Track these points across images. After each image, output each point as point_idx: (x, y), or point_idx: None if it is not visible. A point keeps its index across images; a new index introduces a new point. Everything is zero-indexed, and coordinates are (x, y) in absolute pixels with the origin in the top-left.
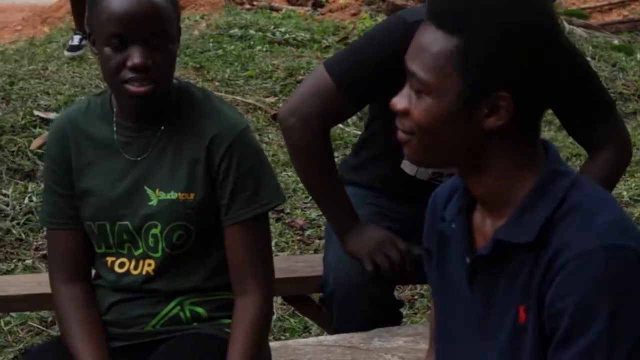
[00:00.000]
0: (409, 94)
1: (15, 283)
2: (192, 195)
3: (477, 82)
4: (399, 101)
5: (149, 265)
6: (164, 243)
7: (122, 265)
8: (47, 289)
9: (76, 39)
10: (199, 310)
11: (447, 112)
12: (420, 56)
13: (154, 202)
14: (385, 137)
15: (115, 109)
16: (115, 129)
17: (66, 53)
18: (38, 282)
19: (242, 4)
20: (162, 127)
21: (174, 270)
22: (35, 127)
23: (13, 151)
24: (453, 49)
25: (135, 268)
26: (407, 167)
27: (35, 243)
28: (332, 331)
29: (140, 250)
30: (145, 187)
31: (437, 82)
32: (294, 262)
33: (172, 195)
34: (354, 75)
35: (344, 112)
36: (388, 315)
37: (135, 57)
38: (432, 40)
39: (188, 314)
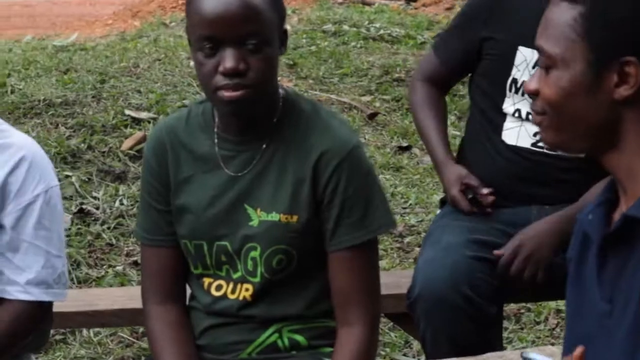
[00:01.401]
0: (539, 74)
1: (106, 296)
2: (294, 218)
3: (601, 48)
4: (530, 82)
5: (247, 290)
6: (262, 267)
7: (219, 288)
8: (139, 304)
9: None
10: (298, 338)
11: (575, 83)
12: (546, 31)
13: (254, 223)
14: (483, 129)
15: (216, 120)
16: (216, 141)
17: None
18: (129, 296)
19: None
20: (266, 141)
21: (272, 296)
22: (126, 126)
23: (104, 152)
24: (576, 16)
25: (233, 292)
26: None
27: (126, 248)
28: (421, 342)
29: (239, 274)
30: (246, 206)
31: (562, 52)
32: (398, 277)
33: (274, 216)
34: (446, 38)
35: (443, 75)
36: (483, 327)
37: (226, 60)
38: (556, 13)
39: (286, 341)
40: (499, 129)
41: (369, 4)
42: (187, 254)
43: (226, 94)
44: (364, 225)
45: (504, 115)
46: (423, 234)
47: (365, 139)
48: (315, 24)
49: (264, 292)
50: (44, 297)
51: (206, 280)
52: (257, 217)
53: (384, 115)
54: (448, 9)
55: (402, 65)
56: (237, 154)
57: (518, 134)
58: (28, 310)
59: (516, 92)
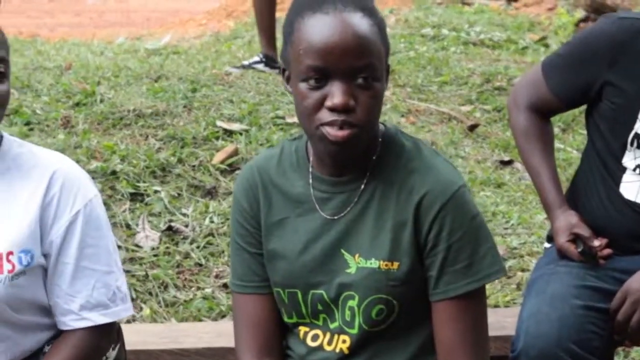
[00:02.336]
0: None
1: (192, 333)
2: (395, 265)
3: None
4: None
5: (344, 342)
6: (361, 318)
7: (315, 338)
8: (229, 342)
9: (254, 59)
10: None
11: None
12: None
13: (352, 270)
14: (600, 175)
15: (311, 159)
16: (311, 181)
17: (229, 68)
18: (217, 333)
19: None
20: (365, 182)
21: (371, 350)
22: (217, 138)
23: (194, 165)
24: None
25: (329, 343)
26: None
27: (215, 269)
28: None
29: (337, 324)
30: (343, 251)
31: None
32: (502, 316)
33: (373, 263)
34: (561, 66)
35: (554, 106)
36: None
37: (335, 95)
38: None
39: None
40: (617, 180)
41: (469, 4)
42: (280, 303)
43: (331, 132)
44: (470, 273)
45: (623, 168)
46: (526, 257)
47: (465, 152)
48: (414, 27)
49: (362, 345)
50: (104, 320)
51: (302, 329)
52: (355, 263)
53: (485, 126)
54: (550, 9)
55: (504, 73)
56: (333, 195)
57: (638, 190)
58: (89, 338)
59: (638, 147)
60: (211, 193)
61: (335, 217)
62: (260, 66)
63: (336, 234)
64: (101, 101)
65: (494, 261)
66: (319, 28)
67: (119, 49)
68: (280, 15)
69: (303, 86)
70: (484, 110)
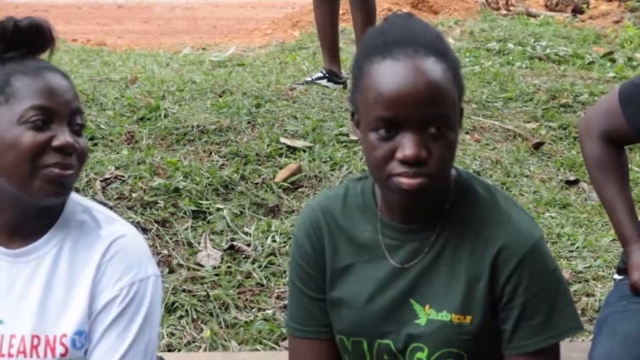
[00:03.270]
0: None
1: None
2: (468, 319)
3: None
4: None
5: None
6: None
7: None
8: None
9: (317, 75)
10: None
11: None
12: None
13: (422, 321)
14: None
15: (379, 203)
16: (379, 227)
17: (294, 84)
18: None
19: (498, 9)
20: (437, 231)
21: None
22: (281, 155)
23: (257, 183)
24: None
25: None
26: None
27: (277, 290)
28: None
29: None
30: (413, 301)
31: None
32: (569, 350)
33: (445, 316)
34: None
35: (630, 137)
36: None
37: (407, 147)
38: None
39: None
40: None
41: (534, 16)
42: (343, 350)
43: (404, 181)
44: (547, 329)
45: None
46: (591, 282)
47: (530, 170)
48: (479, 40)
49: None
50: None
51: None
52: (426, 315)
53: (550, 144)
54: (616, 22)
55: (570, 90)
56: (403, 243)
57: None
58: None
59: None
60: (273, 211)
61: (405, 266)
62: (324, 82)
63: (406, 283)
64: (165, 116)
65: (572, 317)
66: (389, 76)
67: (185, 60)
68: (344, 26)
69: (373, 136)
70: (550, 128)
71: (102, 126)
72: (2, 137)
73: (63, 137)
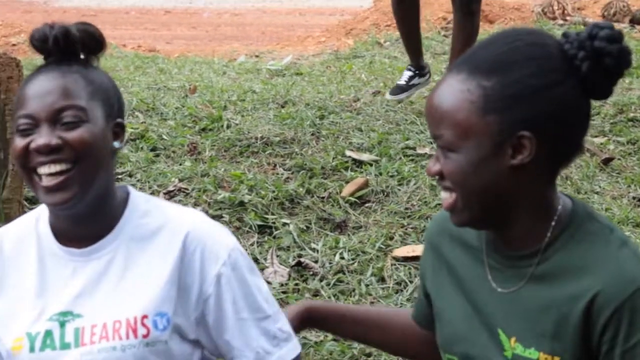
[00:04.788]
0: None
1: None
2: None
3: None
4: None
5: None
6: None
7: None
8: None
9: (405, 76)
10: None
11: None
12: None
13: (507, 354)
14: None
15: None
16: (484, 248)
17: (388, 96)
18: None
19: (554, 18)
20: (536, 262)
21: None
22: (347, 169)
23: (323, 197)
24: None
25: None
26: None
27: None
28: None
29: None
30: (500, 331)
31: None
32: None
33: (532, 353)
34: None
35: None
36: None
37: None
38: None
39: None
40: None
41: None
42: None
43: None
44: None
45: None
46: None
47: (600, 187)
48: None
49: None
50: None
51: None
52: (511, 348)
53: (619, 159)
54: None
55: (637, 104)
56: (504, 267)
57: None
58: None
59: None
60: (341, 227)
61: (504, 291)
62: (416, 80)
63: (497, 309)
64: (228, 127)
65: None
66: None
67: (241, 68)
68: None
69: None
70: (618, 143)
71: (164, 137)
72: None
73: (39, 138)
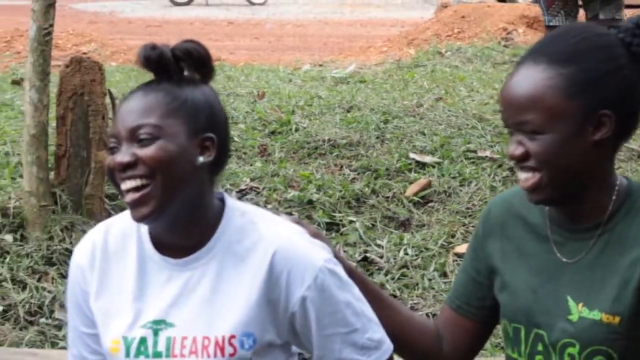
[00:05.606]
0: None
1: None
2: (616, 319)
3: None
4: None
5: None
6: None
7: None
8: None
9: None
10: None
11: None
12: None
13: (574, 318)
14: None
15: None
16: (548, 223)
17: None
18: None
19: None
20: (598, 233)
21: None
22: (410, 170)
23: (387, 197)
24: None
25: None
26: None
27: (410, 302)
28: None
29: None
30: (568, 298)
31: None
32: None
33: (595, 315)
34: None
35: None
36: None
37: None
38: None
39: None
40: None
41: None
42: (506, 337)
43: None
44: None
45: None
46: None
47: None
48: None
49: None
50: None
51: None
52: (578, 312)
53: None
54: None
55: None
56: (568, 240)
57: None
58: None
59: None
60: (404, 225)
61: (569, 261)
62: None
63: (565, 278)
64: (296, 130)
65: None
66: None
67: (306, 76)
68: (459, 44)
69: None
70: None
71: (235, 139)
72: None
73: (117, 156)
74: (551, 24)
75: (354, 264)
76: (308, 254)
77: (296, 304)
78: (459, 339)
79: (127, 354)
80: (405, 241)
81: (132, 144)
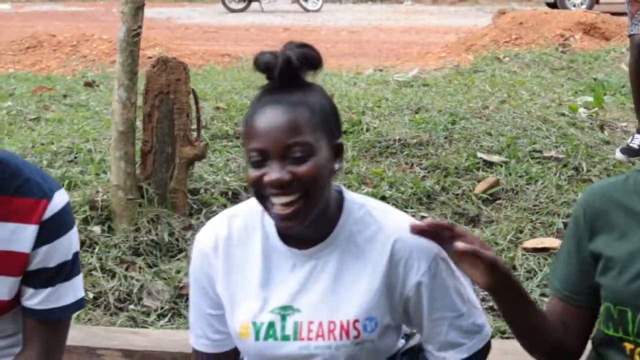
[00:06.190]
0: None
1: None
2: None
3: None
4: None
5: None
6: None
7: None
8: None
9: (637, 140)
10: None
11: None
12: None
13: None
14: None
15: None
16: None
17: (619, 154)
18: (504, 351)
19: None
20: None
21: None
22: (478, 169)
23: (457, 194)
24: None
25: None
26: None
27: (482, 293)
28: None
29: None
30: None
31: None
32: None
33: None
34: None
35: None
36: None
37: None
38: None
39: None
40: None
41: None
42: (608, 319)
43: None
44: None
45: None
46: None
47: None
48: None
49: None
50: (460, 356)
51: (627, 345)
52: None
53: None
54: None
55: None
56: None
57: None
58: None
59: None
60: (474, 221)
61: None
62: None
63: None
64: (367, 130)
65: None
66: None
67: (370, 80)
68: (517, 50)
69: None
70: None
71: None
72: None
73: (273, 173)
74: (632, 32)
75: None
76: (423, 242)
77: (412, 289)
78: (575, 326)
79: (257, 338)
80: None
81: (284, 161)
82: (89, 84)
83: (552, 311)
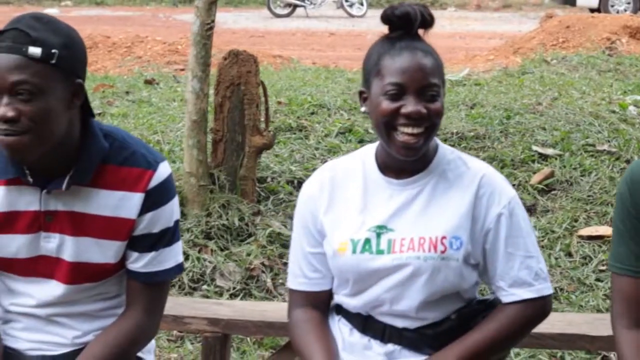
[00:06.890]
0: None
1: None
2: None
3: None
4: None
5: None
6: None
7: None
8: (574, 330)
9: None
10: None
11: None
12: None
13: None
14: None
15: None
16: None
17: None
18: (568, 322)
19: None
20: None
21: None
22: (533, 161)
23: (514, 184)
24: None
25: None
26: None
27: None
28: None
29: None
30: None
31: None
32: None
33: None
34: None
35: None
36: None
37: None
38: None
39: None
40: None
41: None
42: None
43: None
44: None
45: None
46: None
47: None
48: None
49: None
50: (528, 295)
51: None
52: None
53: None
54: None
55: None
56: None
57: None
58: (519, 310)
59: None
60: (530, 210)
61: None
62: None
63: None
64: None
65: None
66: None
67: None
68: (559, 51)
69: None
70: None
71: (369, 130)
72: (374, 102)
73: (411, 106)
74: None
75: None
76: (506, 185)
77: (492, 221)
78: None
79: (354, 251)
80: (532, 224)
81: (420, 97)
82: (149, 82)
83: (623, 291)
